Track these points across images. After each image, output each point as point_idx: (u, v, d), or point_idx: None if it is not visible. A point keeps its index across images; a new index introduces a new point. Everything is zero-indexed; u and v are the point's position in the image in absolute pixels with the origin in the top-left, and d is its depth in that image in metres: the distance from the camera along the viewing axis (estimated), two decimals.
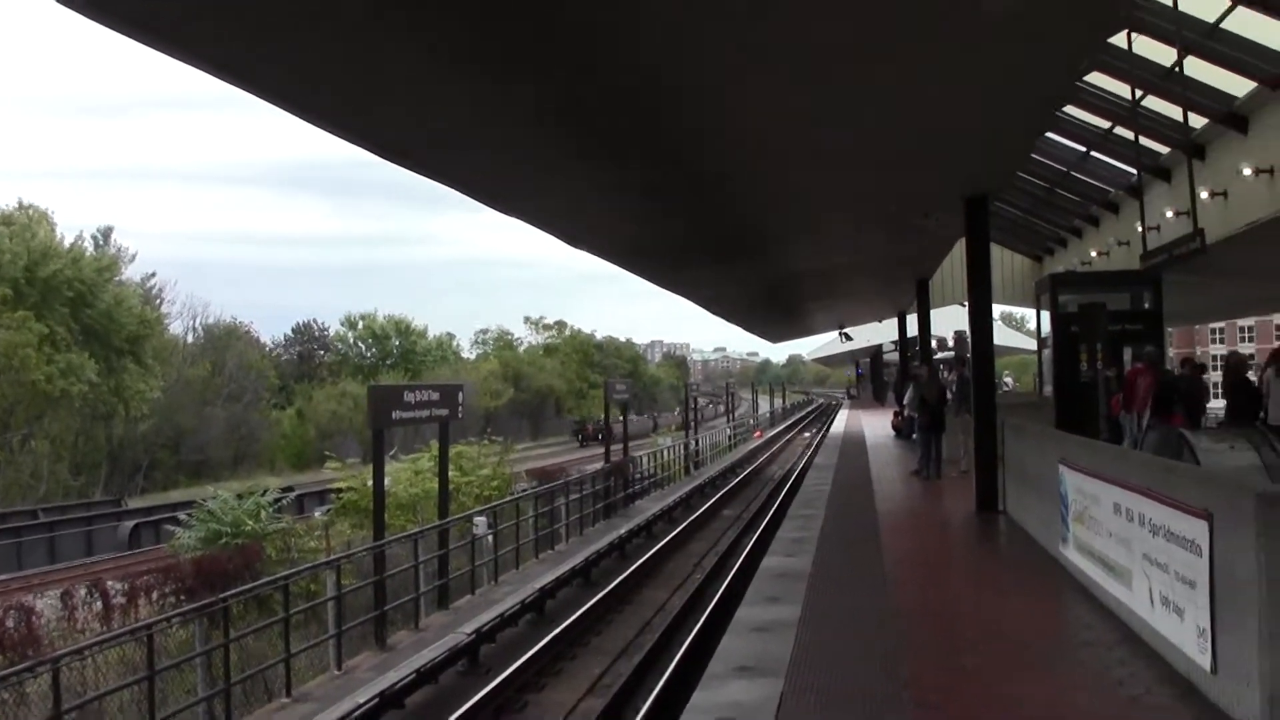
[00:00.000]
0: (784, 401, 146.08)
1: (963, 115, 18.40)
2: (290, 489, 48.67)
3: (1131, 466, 12.21)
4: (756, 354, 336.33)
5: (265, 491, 35.71)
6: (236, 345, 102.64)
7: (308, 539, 31.28)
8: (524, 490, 35.85)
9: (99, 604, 21.98)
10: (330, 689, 18.34)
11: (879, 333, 76.58)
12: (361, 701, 16.89)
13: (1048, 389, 27.53)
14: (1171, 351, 66.49)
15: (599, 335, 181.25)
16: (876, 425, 49.11)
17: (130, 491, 74.18)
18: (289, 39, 12.59)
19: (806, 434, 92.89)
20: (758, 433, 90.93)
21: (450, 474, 29.26)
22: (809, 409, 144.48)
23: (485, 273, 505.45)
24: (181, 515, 37.02)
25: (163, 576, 22.99)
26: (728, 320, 68.91)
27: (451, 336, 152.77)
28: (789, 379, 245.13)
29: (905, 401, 32.72)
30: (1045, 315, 28.15)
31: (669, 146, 19.80)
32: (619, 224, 27.30)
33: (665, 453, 54.76)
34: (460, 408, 26.97)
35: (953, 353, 64.34)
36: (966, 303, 24.87)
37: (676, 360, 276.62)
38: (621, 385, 52.81)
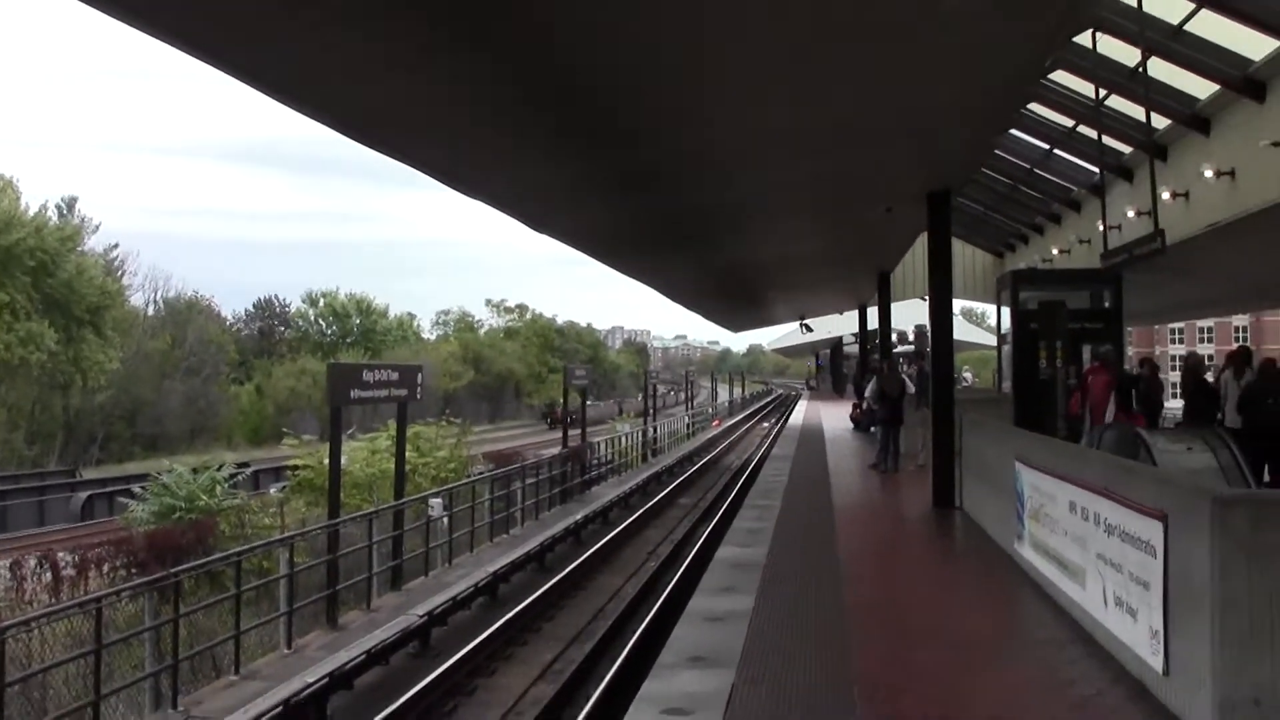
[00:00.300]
0: (743, 391, 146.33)
1: (926, 110, 18.37)
2: (246, 465, 48.51)
3: (1088, 465, 12.19)
4: (717, 342, 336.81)
5: (221, 467, 35.49)
6: (197, 319, 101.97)
7: (262, 516, 31.05)
8: (480, 473, 35.69)
9: (49, 575, 21.77)
10: (279, 667, 18.19)
11: (839, 325, 76.69)
12: (310, 681, 16.72)
13: (1007, 385, 27.54)
14: (1131, 351, 66.82)
15: (560, 320, 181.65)
16: (835, 417, 49.14)
17: (85, 462, 73.86)
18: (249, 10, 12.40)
19: (765, 424, 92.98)
20: (716, 421, 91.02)
21: (407, 455, 29.14)
22: (768, 399, 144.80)
23: (448, 253, 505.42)
24: (136, 488, 36.68)
25: (114, 549, 22.75)
26: (689, 308, 68.94)
27: (412, 316, 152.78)
28: (749, 368, 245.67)
29: (867, 395, 32.68)
30: (1006, 311, 28.16)
31: (634, 133, 19.72)
32: (582, 210, 27.18)
33: (623, 439, 54.67)
34: (419, 389, 26.89)
35: (912, 347, 64.54)
36: (927, 297, 24.87)
37: (637, 347, 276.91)
38: (581, 371, 52.90)
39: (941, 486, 21.48)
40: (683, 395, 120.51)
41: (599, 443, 49.48)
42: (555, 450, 44.50)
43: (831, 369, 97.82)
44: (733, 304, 64.47)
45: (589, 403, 53.90)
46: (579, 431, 46.94)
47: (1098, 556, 10.85)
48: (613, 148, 20.56)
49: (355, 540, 23.58)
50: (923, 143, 20.87)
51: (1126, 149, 30.73)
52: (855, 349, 68.21)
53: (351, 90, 16.06)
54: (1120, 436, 16.54)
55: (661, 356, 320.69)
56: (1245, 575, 7.83)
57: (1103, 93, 27.64)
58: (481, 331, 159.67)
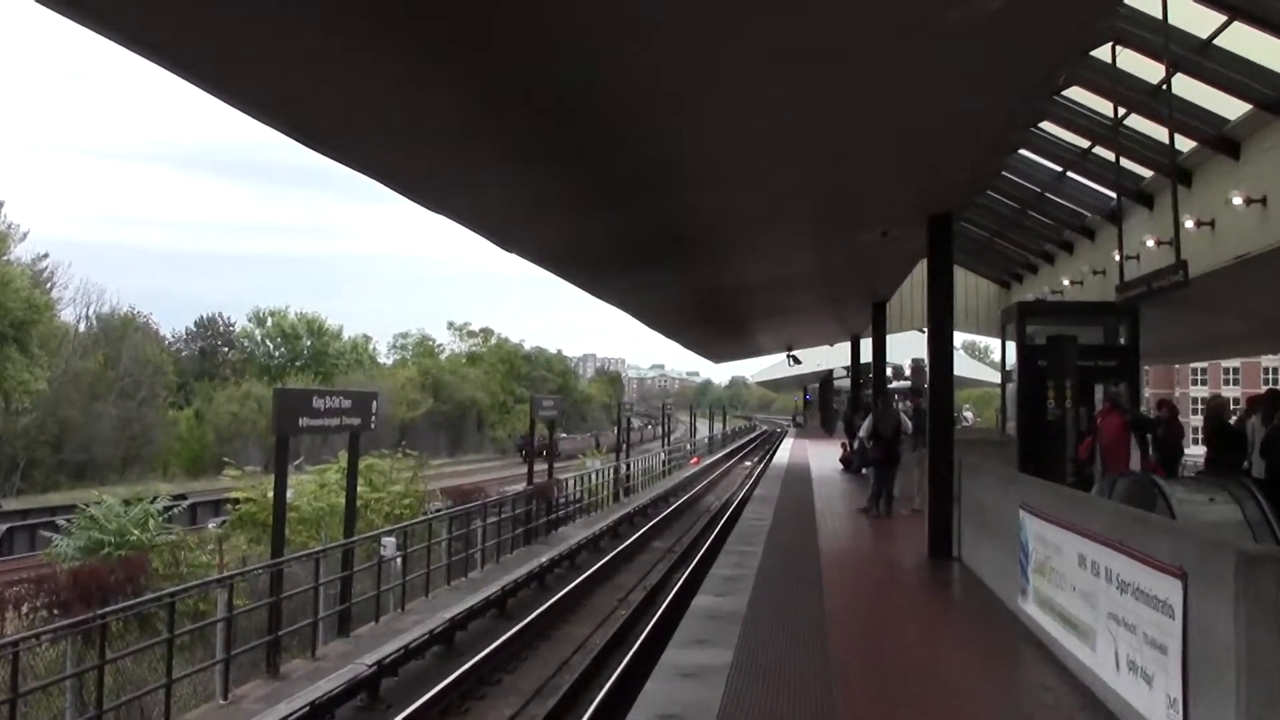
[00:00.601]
0: (724, 427, 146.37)
1: (925, 127, 18.33)
2: (183, 497, 48.44)
3: (1099, 515, 12.09)
4: (697, 373, 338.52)
5: (155, 499, 35.32)
6: (133, 337, 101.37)
7: (199, 553, 30.90)
8: (438, 510, 35.53)
9: None
10: None
11: (830, 357, 76.78)
12: None
13: (1011, 426, 27.48)
14: (1148, 392, 66.94)
15: (528, 345, 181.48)
16: (824, 457, 49.18)
17: (5, 492, 73.38)
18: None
19: (747, 463, 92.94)
20: (694, 459, 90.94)
21: (359, 489, 28.99)
22: (751, 435, 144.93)
23: (408, 270, 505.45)
24: (60, 521, 36.52)
25: (35, 588, 22.53)
26: (667, 336, 68.81)
27: (368, 339, 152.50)
28: (731, 402, 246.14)
29: (860, 433, 32.64)
30: (1011, 346, 28.09)
31: (611, 146, 19.63)
32: (554, 228, 27.09)
33: (593, 476, 54.51)
34: (373, 417, 26.79)
35: (908, 382, 64.58)
36: (926, 329, 24.84)
37: (610, 376, 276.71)
38: (549, 402, 52.79)
39: (938, 534, 21.44)
40: (659, 430, 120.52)
41: (567, 480, 49.33)
42: (519, 487, 44.34)
43: (821, 405, 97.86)
44: (714, 332, 64.38)
45: (564, 435, 53.57)
46: (562, 462, 46.83)
47: (1109, 616, 10.78)
48: (587, 162, 20.47)
49: (300, 581, 23.45)
50: (922, 162, 20.84)
51: (1147, 173, 30.70)
52: (847, 384, 68.23)
53: (313, 96, 15.97)
54: (1135, 485, 16.46)
55: (637, 388, 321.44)
56: (1274, 639, 7.73)
57: (1122, 111, 27.61)
58: (442, 356, 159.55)
